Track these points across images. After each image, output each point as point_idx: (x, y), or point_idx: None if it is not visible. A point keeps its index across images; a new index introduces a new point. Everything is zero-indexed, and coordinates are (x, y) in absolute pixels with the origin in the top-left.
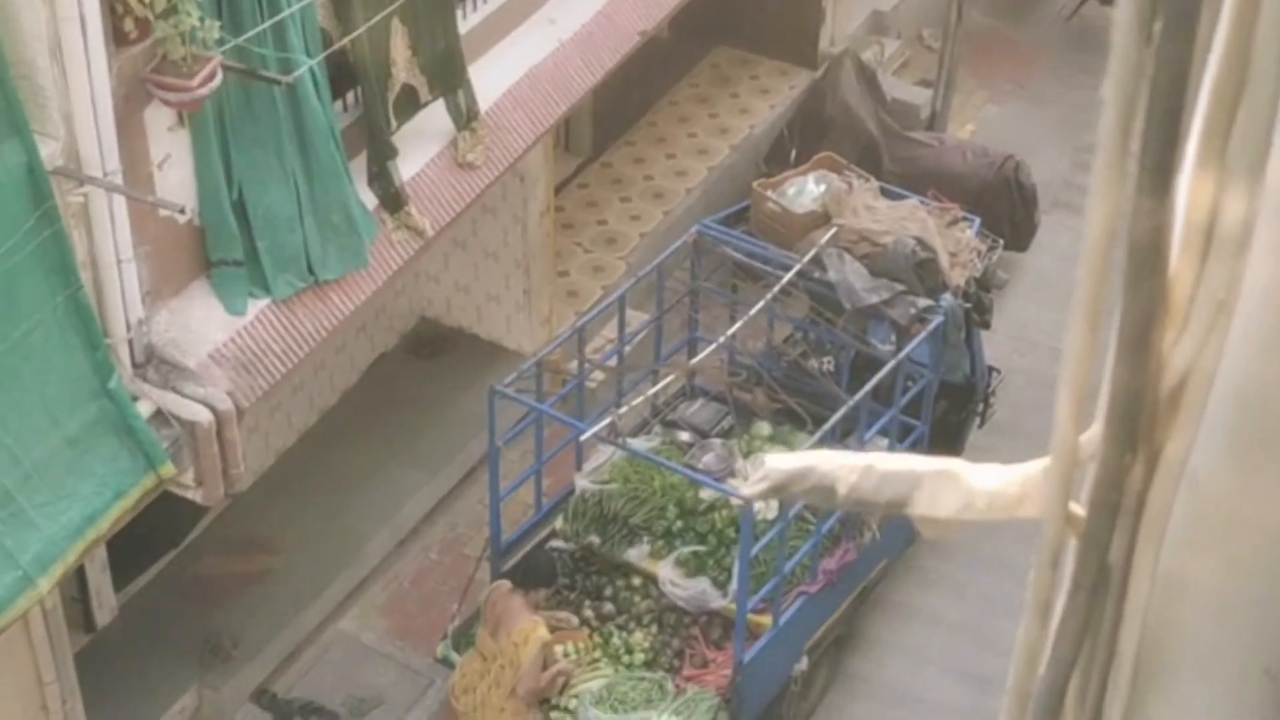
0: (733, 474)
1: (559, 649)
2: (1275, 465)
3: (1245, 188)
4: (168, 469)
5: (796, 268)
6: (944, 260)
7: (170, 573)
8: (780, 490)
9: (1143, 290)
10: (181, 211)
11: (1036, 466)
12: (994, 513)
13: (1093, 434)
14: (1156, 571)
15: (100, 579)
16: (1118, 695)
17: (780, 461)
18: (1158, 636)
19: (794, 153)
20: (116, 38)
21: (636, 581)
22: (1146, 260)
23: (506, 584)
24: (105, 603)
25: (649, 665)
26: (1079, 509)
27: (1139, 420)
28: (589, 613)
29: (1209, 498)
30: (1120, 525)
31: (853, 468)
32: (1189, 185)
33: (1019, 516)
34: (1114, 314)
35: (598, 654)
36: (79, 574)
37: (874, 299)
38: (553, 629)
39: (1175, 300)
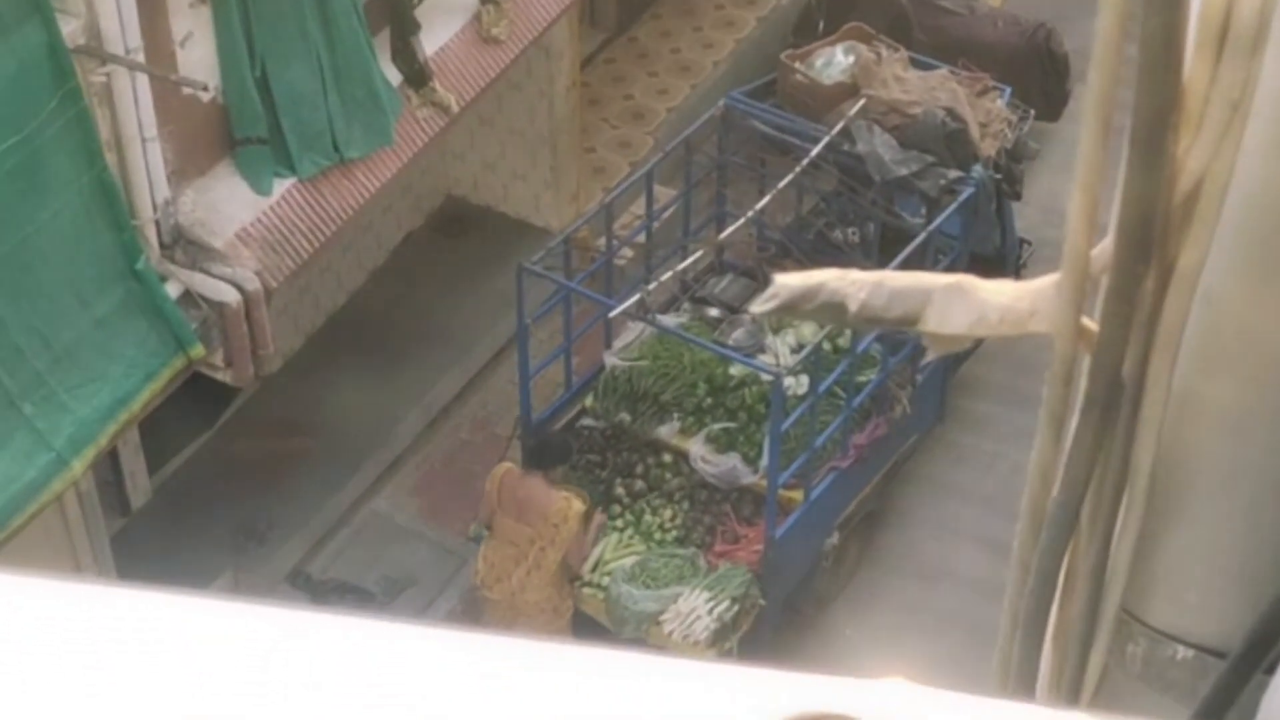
0: (762, 349)
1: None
2: None
3: None
4: (197, 350)
5: (825, 140)
6: (974, 131)
7: (204, 455)
8: (790, 308)
9: (1155, 88)
10: (205, 89)
11: (1049, 280)
12: (1005, 328)
13: (1105, 247)
14: (1171, 388)
15: (134, 461)
16: (1132, 514)
17: (790, 279)
18: (1172, 455)
19: (822, 23)
20: None
21: (667, 459)
22: (1159, 57)
23: (512, 467)
24: (139, 485)
25: (680, 542)
26: (1091, 324)
27: (1152, 229)
28: (620, 490)
29: (1223, 313)
30: (1134, 339)
31: (863, 284)
32: None
33: (1030, 332)
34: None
35: (629, 531)
36: (113, 456)
37: (903, 171)
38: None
39: (1189, 104)
